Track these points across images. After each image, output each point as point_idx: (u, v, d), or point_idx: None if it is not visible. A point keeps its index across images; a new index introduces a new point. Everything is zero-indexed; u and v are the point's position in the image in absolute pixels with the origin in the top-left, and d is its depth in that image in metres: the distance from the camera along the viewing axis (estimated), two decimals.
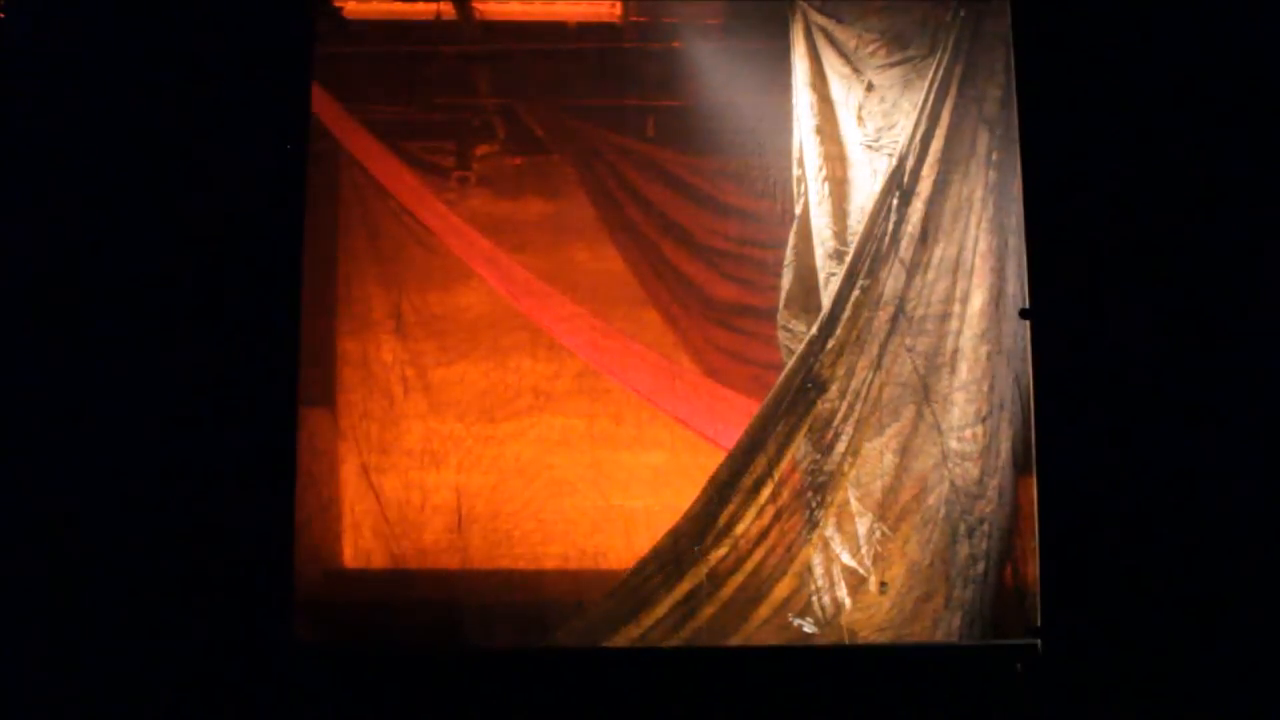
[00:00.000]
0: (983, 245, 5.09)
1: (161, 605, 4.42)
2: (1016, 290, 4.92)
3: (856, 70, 5.28)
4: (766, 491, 5.09)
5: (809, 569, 5.10)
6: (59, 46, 4.70)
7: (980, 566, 4.91)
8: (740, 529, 5.08)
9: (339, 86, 5.64)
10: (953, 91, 5.09)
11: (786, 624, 5.06)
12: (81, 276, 4.60)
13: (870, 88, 5.26)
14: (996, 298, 5.03)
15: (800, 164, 5.38)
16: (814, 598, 5.08)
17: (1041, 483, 4.55)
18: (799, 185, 5.39)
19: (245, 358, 4.56)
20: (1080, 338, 4.57)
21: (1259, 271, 4.58)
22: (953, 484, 5.00)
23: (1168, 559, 4.44)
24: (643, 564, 5.12)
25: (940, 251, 5.11)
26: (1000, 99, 5.03)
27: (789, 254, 5.37)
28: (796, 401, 5.12)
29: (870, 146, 5.24)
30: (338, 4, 5.67)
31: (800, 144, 5.38)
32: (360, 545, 5.81)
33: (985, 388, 5.02)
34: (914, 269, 5.11)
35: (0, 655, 4.40)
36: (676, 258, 5.92)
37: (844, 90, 5.31)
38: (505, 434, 5.84)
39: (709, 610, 5.03)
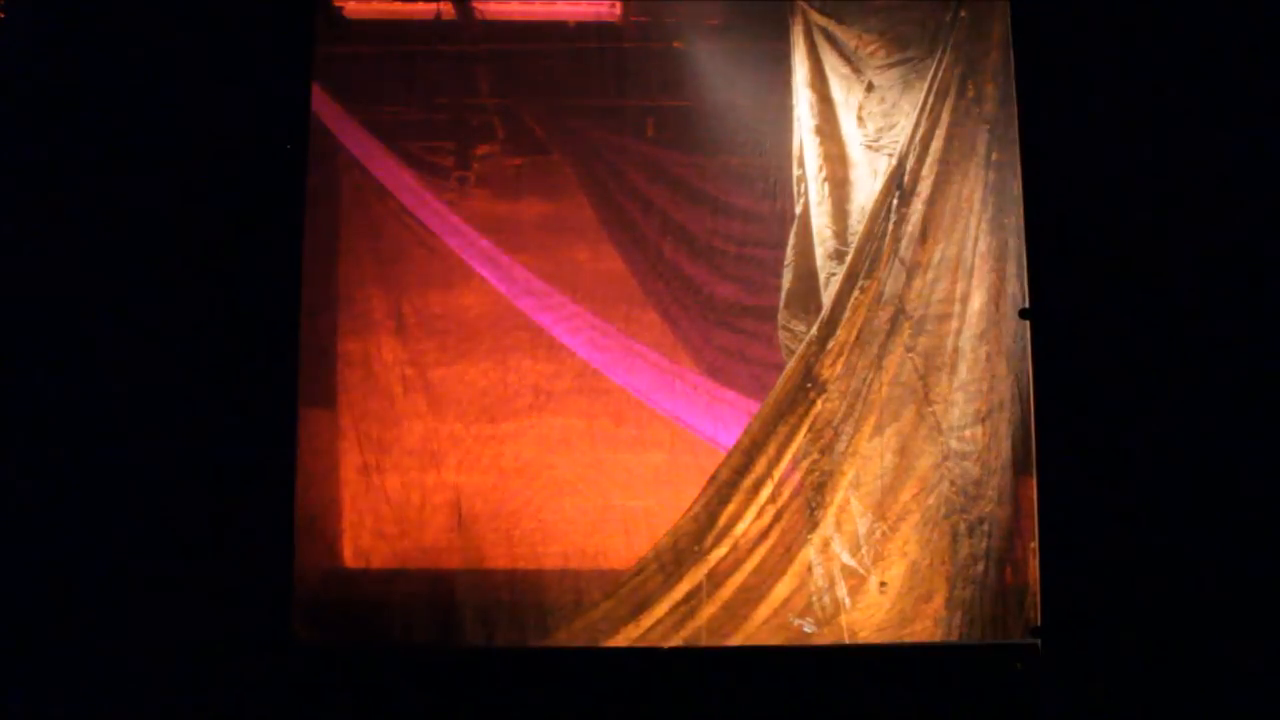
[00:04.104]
0: (983, 245, 5.09)
1: (161, 605, 4.42)
2: (1016, 290, 4.92)
3: (856, 70, 5.29)
4: (766, 491, 5.10)
5: (809, 569, 5.10)
6: (59, 47, 4.70)
7: (980, 566, 4.91)
8: (740, 529, 5.09)
9: (339, 86, 5.63)
10: (952, 91, 5.10)
11: (786, 624, 5.05)
12: (81, 276, 4.60)
13: (870, 88, 5.26)
14: (996, 298, 5.03)
15: (800, 164, 5.39)
16: (814, 598, 5.08)
17: (1041, 483, 4.56)
18: (799, 185, 5.40)
19: (245, 358, 4.57)
20: (1080, 338, 4.58)
21: (1259, 271, 4.58)
22: (953, 484, 5.00)
23: (1168, 559, 4.45)
24: (643, 564, 5.13)
25: (940, 251, 5.12)
26: (1000, 99, 5.03)
27: (789, 254, 5.37)
28: (796, 401, 5.12)
29: (870, 146, 5.25)
30: (338, 4, 5.67)
31: (800, 144, 5.39)
32: (360, 545, 5.79)
33: (985, 388, 5.02)
34: (914, 269, 5.11)
35: (0, 655, 4.41)
36: (676, 258, 5.91)
37: (844, 90, 5.31)
38: (505, 434, 5.82)
39: (709, 610, 5.04)
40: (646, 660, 4.80)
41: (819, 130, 5.33)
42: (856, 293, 5.12)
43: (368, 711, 4.49)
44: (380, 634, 5.27)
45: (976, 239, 5.10)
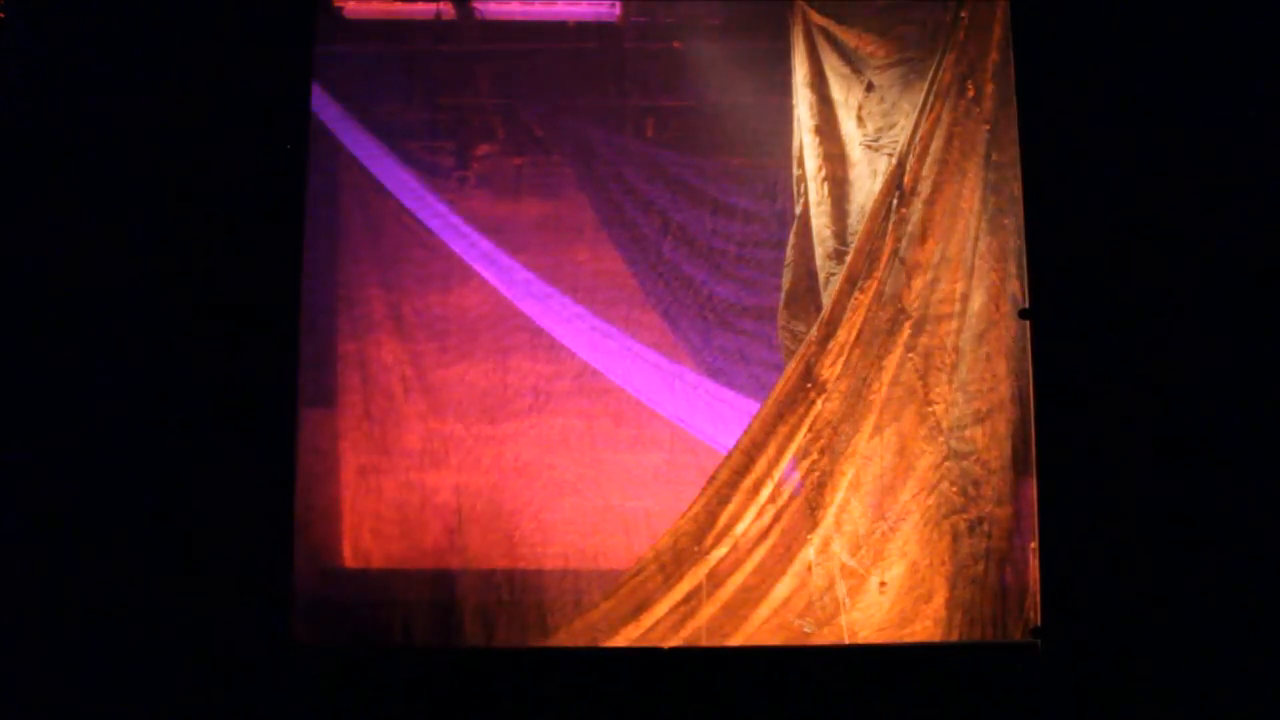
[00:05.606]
0: (983, 245, 5.09)
1: (161, 605, 4.42)
2: (1016, 290, 4.93)
3: (856, 70, 5.29)
4: (766, 491, 5.10)
5: (809, 569, 5.10)
6: (59, 46, 4.71)
7: (980, 566, 4.91)
8: (740, 529, 5.09)
9: (339, 86, 5.64)
10: (952, 91, 5.09)
11: (786, 624, 5.06)
12: (81, 277, 4.60)
13: (870, 88, 5.27)
14: (996, 298, 5.04)
15: (800, 164, 5.40)
16: (814, 598, 5.07)
17: (1041, 483, 4.56)
18: (799, 185, 5.41)
19: (245, 358, 4.57)
20: (1080, 338, 4.58)
21: (1259, 271, 4.58)
22: (953, 484, 5.00)
23: (1168, 559, 4.44)
24: (642, 564, 5.14)
25: (940, 251, 5.12)
26: (1000, 99, 5.03)
27: (789, 254, 5.38)
28: (796, 401, 5.12)
29: (870, 146, 5.25)
30: (338, 4, 5.68)
31: (800, 144, 5.40)
32: (360, 545, 5.79)
33: (985, 388, 5.02)
34: (914, 269, 5.11)
35: (0, 655, 4.40)
36: (676, 258, 5.91)
37: (844, 90, 5.32)
38: (505, 434, 5.82)
39: (709, 610, 5.04)
40: (646, 660, 4.79)
41: (819, 130, 5.34)
42: (856, 293, 5.12)
43: (367, 711, 4.49)
44: (380, 634, 5.28)
45: (976, 239, 5.10)
